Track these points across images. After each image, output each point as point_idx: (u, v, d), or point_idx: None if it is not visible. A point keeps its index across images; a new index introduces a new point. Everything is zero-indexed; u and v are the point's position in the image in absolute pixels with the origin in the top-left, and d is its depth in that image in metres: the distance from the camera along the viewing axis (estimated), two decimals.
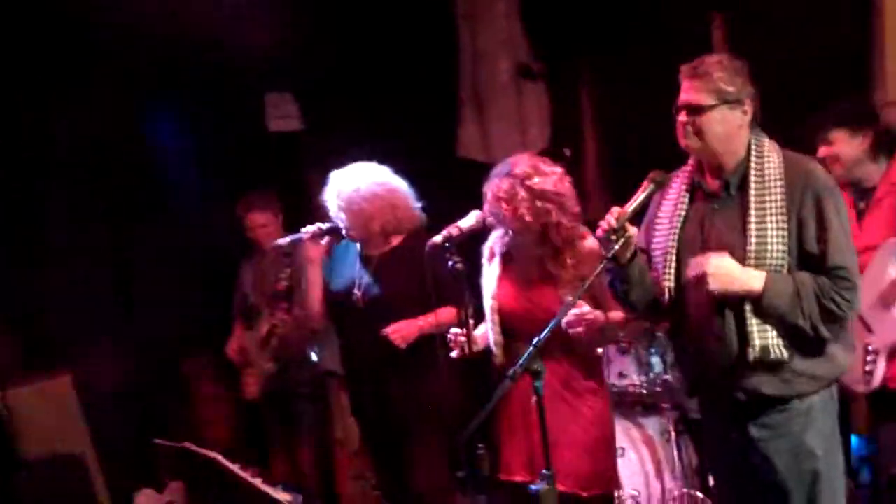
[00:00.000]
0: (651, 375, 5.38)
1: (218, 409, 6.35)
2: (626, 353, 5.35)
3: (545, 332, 3.19)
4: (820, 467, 3.23)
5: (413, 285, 4.49)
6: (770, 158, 3.27)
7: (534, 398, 3.22)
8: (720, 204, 3.32)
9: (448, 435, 4.60)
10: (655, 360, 5.40)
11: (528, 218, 4.00)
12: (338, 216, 4.65)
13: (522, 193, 3.99)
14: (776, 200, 3.20)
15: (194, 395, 6.43)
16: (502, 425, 4.22)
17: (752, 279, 3.15)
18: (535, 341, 3.16)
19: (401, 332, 4.47)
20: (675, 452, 5.21)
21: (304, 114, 6.83)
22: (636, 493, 5.10)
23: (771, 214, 3.19)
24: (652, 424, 5.36)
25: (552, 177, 4.05)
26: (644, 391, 5.38)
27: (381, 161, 4.73)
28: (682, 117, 3.31)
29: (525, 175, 4.01)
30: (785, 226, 3.17)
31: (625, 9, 6.53)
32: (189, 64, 6.25)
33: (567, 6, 6.75)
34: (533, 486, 3.17)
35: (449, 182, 6.20)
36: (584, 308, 3.84)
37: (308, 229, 4.74)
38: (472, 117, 7.17)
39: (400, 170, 4.74)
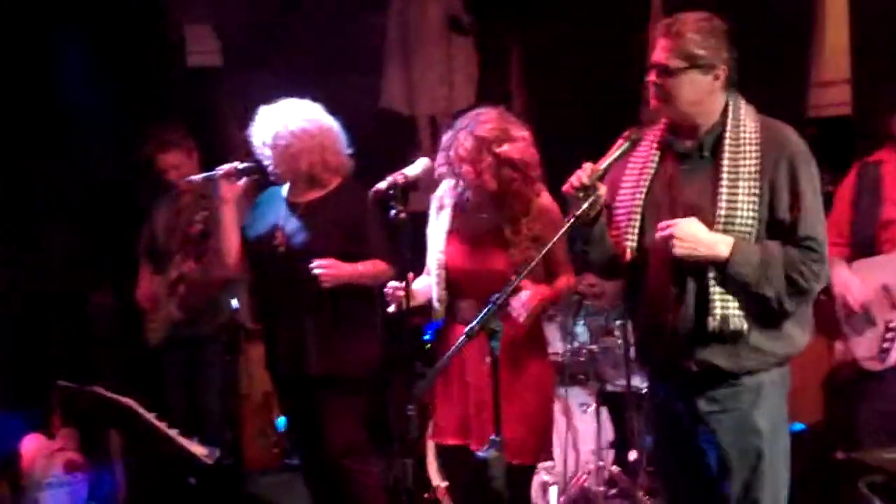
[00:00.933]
0: (575, 345, 5.27)
1: (116, 353, 6.02)
2: (551, 321, 5.21)
3: (505, 291, 3.01)
4: (763, 447, 3.12)
5: (340, 235, 4.31)
6: (746, 123, 3.14)
7: (487, 358, 3.06)
8: (691, 165, 3.19)
9: (365, 394, 4.47)
10: (581, 329, 5.30)
11: (490, 184, 3.85)
12: (263, 153, 4.39)
13: (488, 158, 3.83)
14: (749, 165, 3.07)
15: (93, 338, 6.09)
16: (437, 387, 4.04)
17: (718, 244, 3.03)
18: (494, 298, 2.98)
19: (331, 269, 4.22)
20: (595, 425, 5.12)
21: (225, 50, 6.50)
22: (551, 464, 4.99)
23: (743, 179, 3.06)
24: (571, 395, 5.26)
25: (520, 143, 3.87)
26: (567, 361, 5.27)
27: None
28: (652, 77, 3.15)
29: (494, 138, 3.83)
30: (757, 191, 3.05)
31: None
32: None
33: None
34: (481, 453, 2.99)
35: (371, 131, 6.00)
36: (524, 295, 3.73)
37: (222, 168, 4.47)
38: (398, 69, 6.97)
39: None
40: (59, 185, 6.05)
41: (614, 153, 3.18)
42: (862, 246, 4.23)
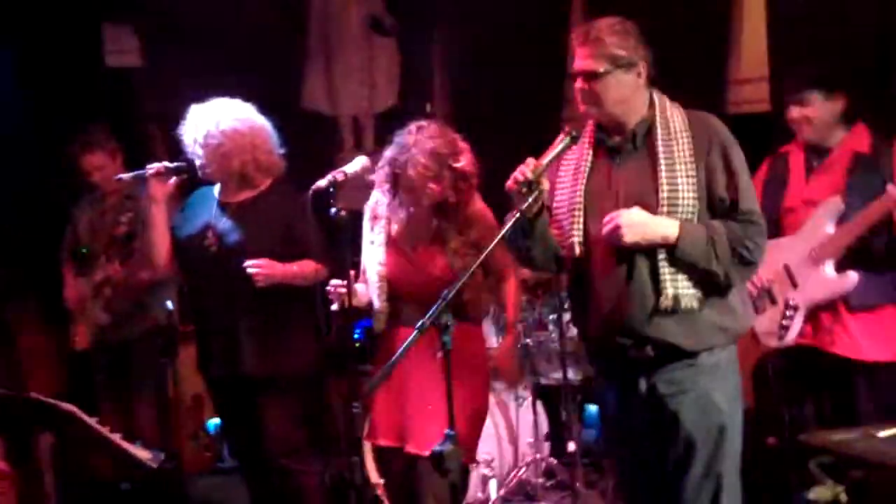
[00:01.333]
0: None
1: (42, 360, 5.90)
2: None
3: (453, 286, 3.04)
4: (725, 422, 3.22)
5: (272, 235, 4.30)
6: (673, 113, 3.26)
7: (439, 353, 3.06)
8: (624, 157, 3.27)
9: (303, 393, 4.47)
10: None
11: (451, 199, 3.92)
12: (194, 152, 4.36)
13: (448, 175, 3.90)
14: (683, 150, 3.18)
15: (16, 344, 5.95)
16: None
17: (665, 226, 3.12)
18: (444, 294, 3.01)
19: (264, 269, 4.21)
20: (530, 418, 5.16)
21: (144, 49, 6.40)
22: (489, 458, 5.04)
23: (680, 163, 3.17)
24: (506, 389, 5.30)
25: (467, 154, 3.97)
26: None
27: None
28: (578, 84, 3.25)
29: (449, 153, 3.91)
30: (694, 174, 3.16)
31: None
32: None
33: None
34: (436, 447, 3.00)
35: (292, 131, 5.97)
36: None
37: (153, 166, 4.42)
38: (320, 68, 6.96)
39: None
40: None
41: (556, 148, 3.24)
42: (768, 231, 4.37)
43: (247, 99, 4.47)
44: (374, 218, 4.08)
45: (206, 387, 4.91)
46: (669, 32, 5.70)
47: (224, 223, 4.37)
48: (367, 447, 4.76)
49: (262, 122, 4.43)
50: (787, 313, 4.24)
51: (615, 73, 3.19)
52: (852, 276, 4.17)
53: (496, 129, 6.57)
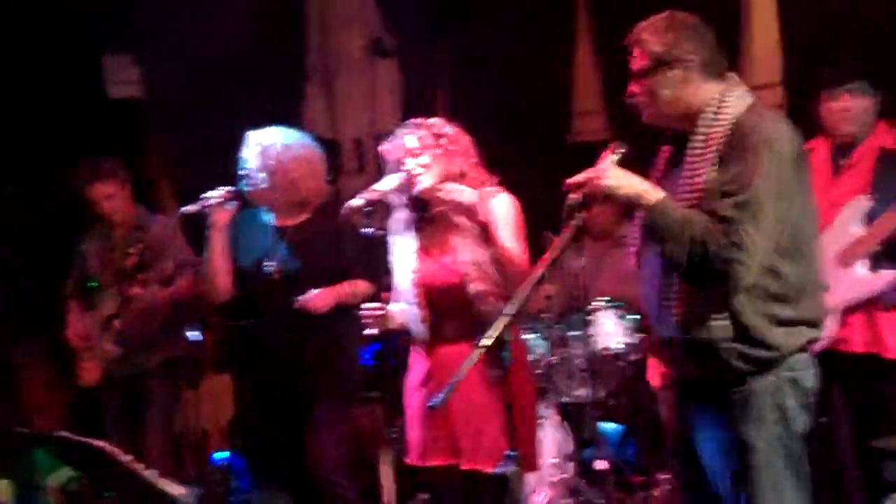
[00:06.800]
0: (532, 358, 5.17)
1: (49, 396, 5.77)
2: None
3: (515, 303, 2.91)
4: (753, 458, 3.00)
5: (329, 258, 4.39)
6: (724, 115, 3.03)
7: (499, 371, 2.93)
8: (677, 162, 3.13)
9: (349, 412, 4.63)
10: (539, 342, 5.21)
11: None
12: (255, 176, 4.38)
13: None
14: (708, 159, 2.98)
15: (23, 381, 5.81)
16: (411, 409, 3.91)
17: (646, 188, 2.98)
18: (506, 310, 2.88)
19: (318, 298, 4.29)
20: (556, 437, 5.05)
21: (146, 79, 6.31)
22: None
23: (704, 168, 2.99)
24: None
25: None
26: None
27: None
28: (632, 87, 3.15)
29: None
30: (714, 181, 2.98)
31: None
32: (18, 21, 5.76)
33: None
34: (498, 470, 2.88)
35: None
36: None
37: (215, 193, 4.42)
38: (320, 92, 6.91)
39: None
40: None
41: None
42: None
43: (249, 124, 4.50)
44: (401, 231, 3.95)
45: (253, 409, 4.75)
46: None
47: (284, 250, 4.43)
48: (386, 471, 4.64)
49: (319, 150, 4.57)
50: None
51: (659, 71, 3.07)
52: (887, 275, 4.12)
53: (501, 147, 6.49)
